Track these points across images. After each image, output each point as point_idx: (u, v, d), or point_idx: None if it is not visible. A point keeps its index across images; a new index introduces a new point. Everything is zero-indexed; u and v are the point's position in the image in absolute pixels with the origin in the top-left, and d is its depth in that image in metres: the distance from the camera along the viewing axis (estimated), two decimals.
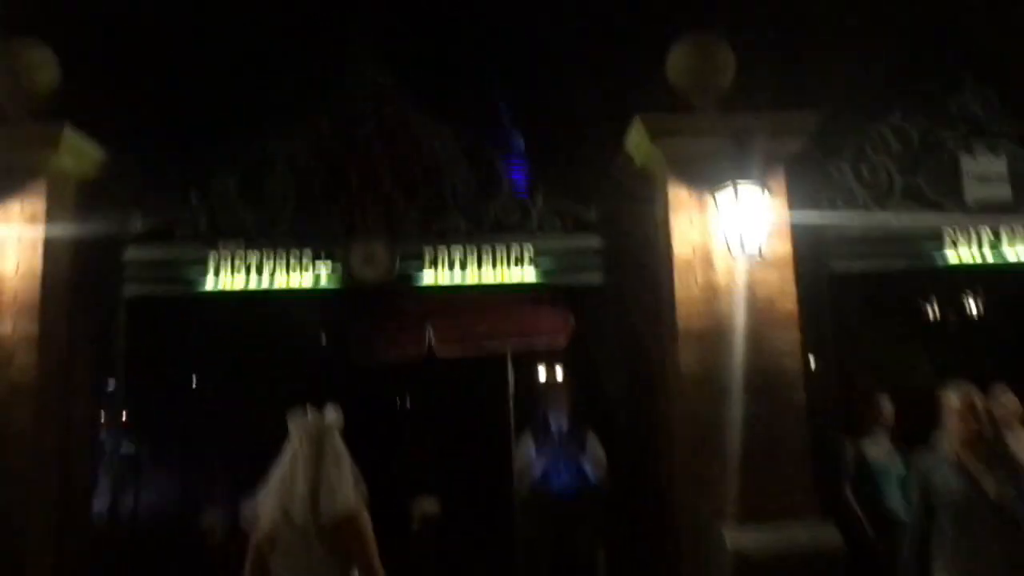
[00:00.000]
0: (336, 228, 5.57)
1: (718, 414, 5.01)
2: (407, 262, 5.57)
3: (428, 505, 5.80)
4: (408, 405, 8.63)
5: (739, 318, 5.10)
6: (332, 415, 3.29)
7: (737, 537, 4.63)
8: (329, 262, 5.55)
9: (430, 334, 6.15)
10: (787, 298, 5.16)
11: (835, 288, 5.47)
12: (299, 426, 3.23)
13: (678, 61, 5.47)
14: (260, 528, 3.12)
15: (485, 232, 5.63)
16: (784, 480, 4.91)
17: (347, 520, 3.07)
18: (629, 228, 5.61)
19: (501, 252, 5.58)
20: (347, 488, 3.13)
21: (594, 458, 6.16)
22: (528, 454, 6.25)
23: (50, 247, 5.16)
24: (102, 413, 5.56)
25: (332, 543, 3.03)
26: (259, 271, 5.49)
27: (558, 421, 6.24)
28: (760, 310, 5.13)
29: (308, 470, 3.09)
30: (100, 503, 5.53)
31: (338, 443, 3.21)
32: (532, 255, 5.58)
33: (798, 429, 5.00)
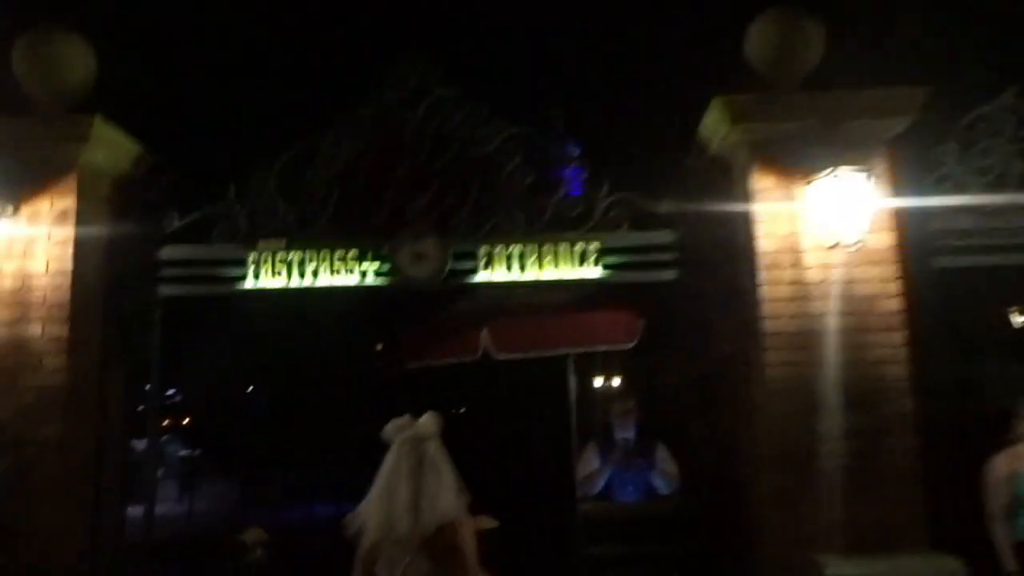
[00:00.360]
0: (383, 225, 5.10)
1: (810, 428, 4.41)
2: (460, 260, 5.08)
3: (484, 519, 5.24)
4: (462, 411, 8.09)
5: (834, 319, 4.49)
6: (431, 422, 3.23)
7: (840, 569, 3.96)
8: (376, 261, 5.07)
9: (485, 336, 5.61)
10: (890, 297, 4.52)
11: (941, 286, 4.77)
12: (398, 434, 3.17)
13: (760, 37, 4.85)
14: (365, 539, 3.10)
15: (544, 228, 5.10)
16: (890, 503, 4.29)
17: (448, 530, 3.05)
18: (705, 221, 5.00)
19: (562, 249, 5.03)
20: (448, 497, 3.10)
21: (664, 472, 5.57)
22: (591, 465, 5.68)
23: (82, 245, 4.81)
24: (137, 418, 5.15)
25: (433, 553, 3.03)
26: (301, 270, 5.04)
27: (624, 431, 5.67)
28: (859, 310, 4.51)
29: (409, 479, 3.08)
30: (135, 513, 5.12)
31: (438, 451, 3.16)
32: (596, 252, 5.01)
33: (906, 445, 4.35)
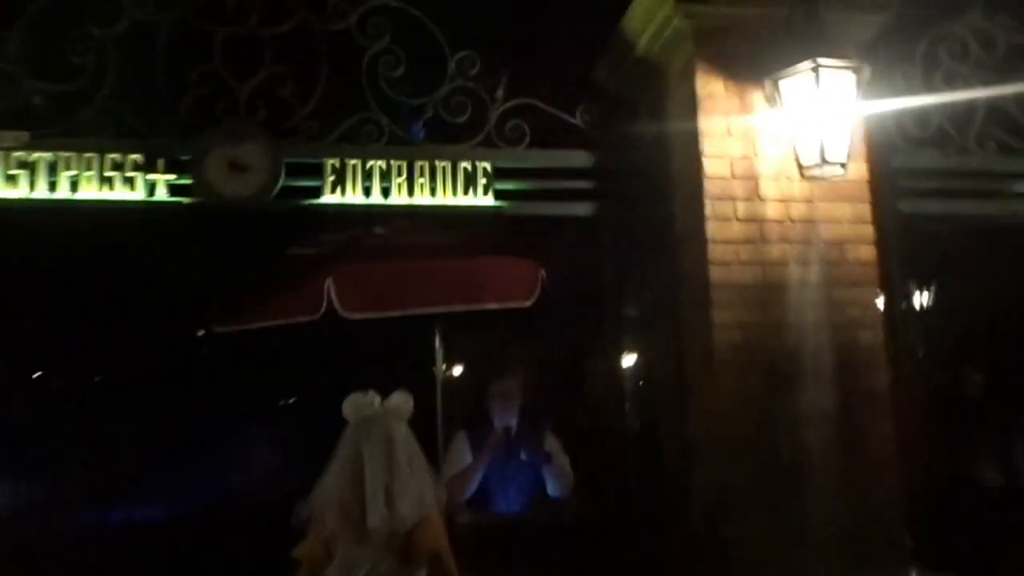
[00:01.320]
0: (185, 117, 3.66)
1: (765, 409, 3.45)
2: (297, 175, 3.72)
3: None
4: (292, 393, 6.59)
5: (797, 268, 3.55)
6: (404, 400, 2.90)
7: None
8: (172, 171, 3.61)
9: (331, 287, 4.21)
10: (863, 243, 3.65)
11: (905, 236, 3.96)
12: (358, 413, 2.85)
13: None
14: (318, 533, 2.77)
15: (419, 137, 3.89)
16: (866, 508, 3.38)
17: (424, 528, 2.74)
18: (632, 139, 3.97)
19: (442, 167, 3.78)
20: (424, 488, 2.80)
21: (556, 468, 4.48)
22: (462, 461, 4.48)
23: None
24: None
25: (405, 551, 2.70)
26: (53, 179, 3.50)
27: (504, 417, 4.52)
28: (828, 259, 3.58)
29: (378, 465, 2.75)
30: None
31: (409, 435, 2.86)
32: (488, 174, 3.81)
33: (883, 432, 3.49)
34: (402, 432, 2.81)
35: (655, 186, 3.88)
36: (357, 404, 2.85)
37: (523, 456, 4.49)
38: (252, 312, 4.57)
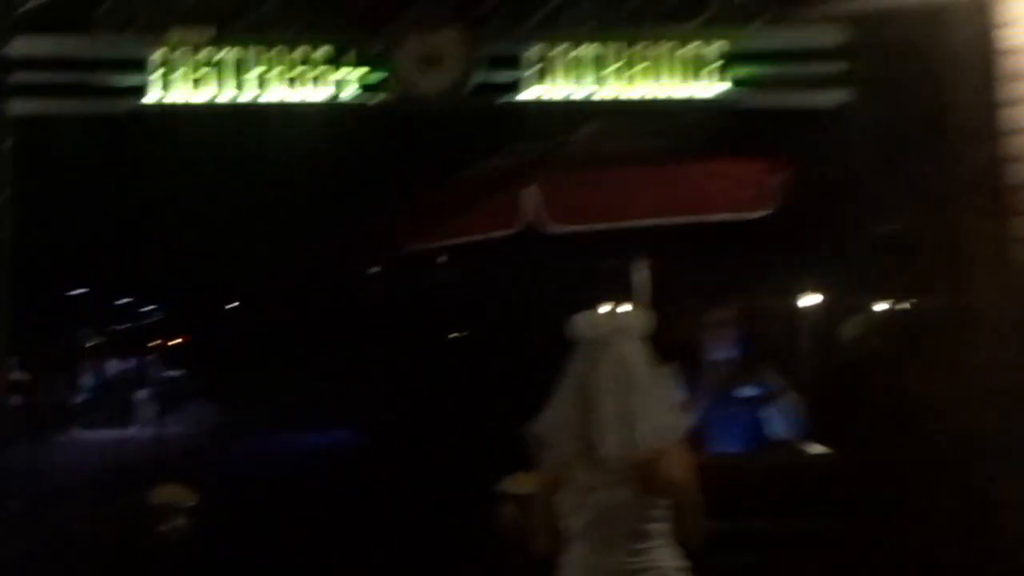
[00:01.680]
0: (372, 9, 3.50)
1: None
2: (496, 68, 3.52)
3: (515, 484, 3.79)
4: (486, 317, 6.42)
5: None
6: (634, 318, 2.71)
7: None
8: (361, 66, 3.46)
9: (533, 196, 3.88)
10: None
11: None
12: (589, 332, 2.61)
13: None
14: (550, 459, 2.62)
15: (631, 20, 3.50)
16: None
17: (666, 455, 2.51)
18: (894, 10, 3.33)
19: (664, 51, 3.42)
20: (666, 414, 2.56)
21: (783, 407, 4.13)
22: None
23: None
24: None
25: (644, 481, 2.50)
26: (239, 79, 3.42)
27: (722, 349, 4.20)
28: None
29: (611, 390, 2.54)
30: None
31: (646, 356, 2.59)
32: (717, 58, 3.41)
33: None
34: (638, 352, 2.56)
35: (926, 67, 3.31)
36: (588, 322, 2.63)
37: (744, 393, 4.20)
38: (441, 219, 4.34)
